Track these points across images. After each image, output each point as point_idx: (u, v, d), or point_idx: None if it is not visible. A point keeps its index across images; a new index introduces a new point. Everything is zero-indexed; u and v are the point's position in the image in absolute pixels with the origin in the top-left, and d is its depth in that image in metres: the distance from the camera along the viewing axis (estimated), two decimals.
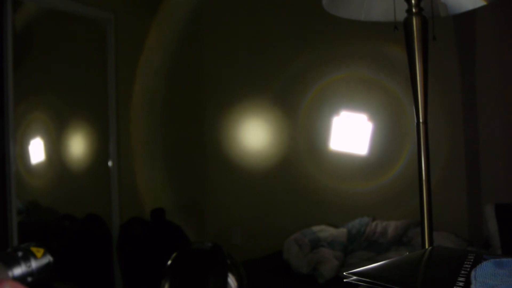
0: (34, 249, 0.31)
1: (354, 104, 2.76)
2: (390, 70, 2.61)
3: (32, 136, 2.90)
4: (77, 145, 3.21)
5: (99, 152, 3.28)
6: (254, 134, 3.21)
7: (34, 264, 0.30)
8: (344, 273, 0.58)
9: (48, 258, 0.31)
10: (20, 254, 0.30)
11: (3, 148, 2.53)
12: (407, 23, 0.92)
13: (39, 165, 2.95)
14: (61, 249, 2.73)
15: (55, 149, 3.05)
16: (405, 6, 0.93)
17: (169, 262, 0.38)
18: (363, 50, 2.72)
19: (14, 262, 0.29)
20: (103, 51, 3.27)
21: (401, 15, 0.94)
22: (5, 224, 2.52)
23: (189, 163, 3.47)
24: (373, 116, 2.68)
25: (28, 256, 0.30)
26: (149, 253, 3.02)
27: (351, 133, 2.76)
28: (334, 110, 2.78)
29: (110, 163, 3.27)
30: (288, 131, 3.06)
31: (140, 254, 3.04)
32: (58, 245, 2.75)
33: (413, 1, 0.91)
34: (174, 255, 0.38)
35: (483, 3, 0.98)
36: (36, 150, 2.94)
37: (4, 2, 2.52)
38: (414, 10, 0.91)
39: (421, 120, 0.91)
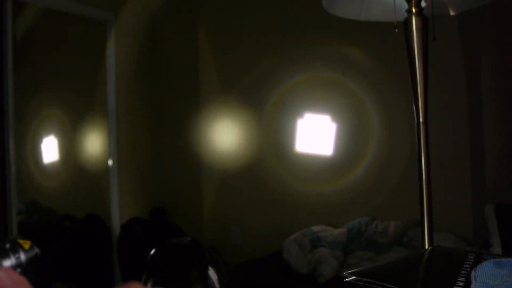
0: (21, 241, 0.31)
1: (318, 106, 2.80)
2: (351, 72, 2.67)
3: (40, 137, 2.90)
4: (77, 145, 3.21)
5: (99, 152, 3.28)
6: (238, 136, 3.24)
7: (22, 255, 0.30)
8: (344, 273, 0.58)
9: (35, 250, 0.31)
10: (8, 246, 0.30)
11: (3, 148, 2.53)
12: (407, 23, 0.92)
13: (45, 166, 2.95)
14: (61, 249, 2.73)
15: (57, 149, 3.05)
16: (405, 6, 0.93)
17: (149, 257, 0.38)
18: (325, 52, 2.77)
19: (3, 254, 0.29)
20: (103, 51, 3.27)
21: (401, 15, 0.94)
22: (5, 224, 2.52)
23: (189, 163, 3.47)
24: (336, 117, 2.73)
25: (16, 248, 0.30)
26: (149, 253, 3.02)
27: (315, 134, 2.80)
28: (299, 112, 2.82)
29: (110, 163, 3.27)
30: (256, 134, 3.11)
31: (140, 254, 3.04)
32: (58, 245, 2.75)
33: (413, 1, 0.91)
34: (153, 250, 0.38)
35: (484, 2, 0.98)
36: (43, 151, 2.94)
37: (4, 2, 2.52)
38: (414, 10, 0.91)
39: (421, 120, 0.91)
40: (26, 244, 0.31)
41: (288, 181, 2.89)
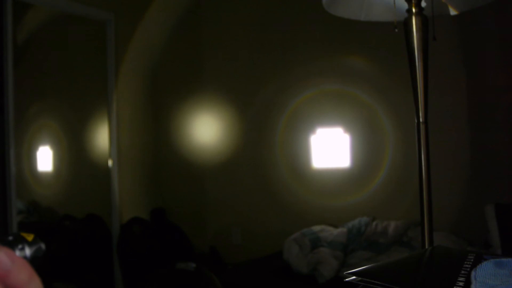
0: (24, 234, 0.31)
1: (329, 119, 2.79)
2: (358, 82, 2.66)
3: (39, 141, 2.90)
4: (77, 145, 3.21)
5: (99, 152, 3.28)
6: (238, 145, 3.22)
7: (26, 247, 0.30)
8: (344, 273, 0.58)
9: (39, 243, 0.31)
10: (11, 238, 0.30)
11: (3, 149, 2.53)
12: (407, 23, 0.92)
13: (45, 168, 2.95)
14: (61, 249, 2.72)
15: (57, 149, 3.05)
16: (405, 6, 0.93)
17: (151, 277, 0.38)
18: (329, 66, 2.77)
19: (7, 245, 0.29)
20: (103, 51, 3.27)
21: (401, 15, 0.94)
22: (5, 224, 2.52)
23: (189, 162, 3.47)
24: (349, 128, 2.72)
25: (19, 240, 0.30)
26: (149, 253, 3.02)
27: (330, 148, 2.78)
28: (310, 128, 2.81)
29: (110, 163, 3.27)
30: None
31: (140, 254, 3.04)
32: (58, 245, 2.75)
33: (413, 1, 0.91)
34: (157, 272, 0.38)
35: (484, 2, 0.98)
36: (43, 154, 2.94)
37: (4, 2, 2.52)
38: (414, 10, 0.91)
39: (421, 120, 0.91)
40: (30, 237, 0.31)
41: (307, 197, 2.85)
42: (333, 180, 2.79)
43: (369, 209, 2.66)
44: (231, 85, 3.27)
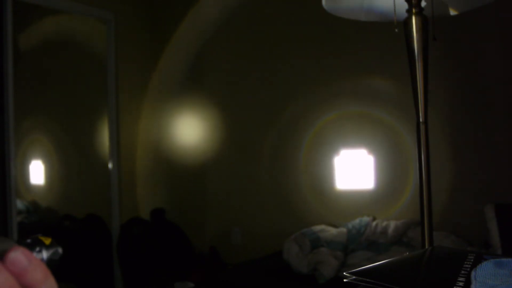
0: (42, 238, 0.31)
1: (352, 140, 2.77)
2: (379, 102, 2.64)
3: (38, 141, 2.90)
4: (78, 145, 3.21)
5: (100, 152, 3.28)
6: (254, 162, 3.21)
7: (44, 251, 0.31)
8: (344, 273, 0.58)
9: (56, 247, 0.32)
10: (29, 241, 0.30)
11: (3, 149, 2.53)
12: (407, 23, 0.92)
13: (42, 165, 2.95)
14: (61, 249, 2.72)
15: (55, 147, 3.05)
16: (405, 6, 0.93)
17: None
18: (351, 87, 2.74)
19: (25, 247, 0.30)
20: (103, 51, 3.27)
21: (401, 15, 0.94)
22: (5, 224, 2.52)
23: (189, 163, 3.47)
24: (372, 149, 2.68)
25: (37, 243, 0.31)
26: (149, 253, 3.02)
27: (354, 169, 2.76)
28: (334, 150, 2.79)
29: (110, 164, 3.27)
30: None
31: (140, 254, 3.04)
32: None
33: (413, 1, 0.91)
34: None
35: (484, 2, 0.98)
36: (43, 155, 2.94)
37: (4, 2, 2.52)
38: (414, 10, 0.91)
39: (421, 120, 0.91)
40: (47, 240, 0.31)
41: (329, 218, 2.80)
42: (357, 202, 2.75)
43: (369, 209, 2.66)
44: (246, 105, 3.24)
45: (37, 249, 0.31)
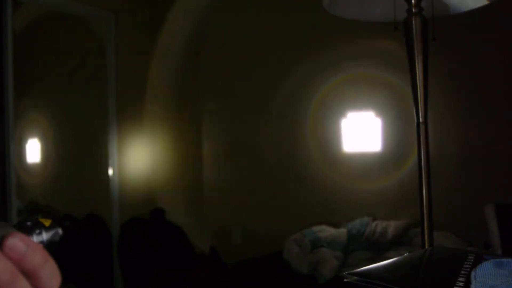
0: (42, 220, 0.31)
1: (360, 103, 2.75)
2: (388, 65, 2.61)
3: (31, 136, 2.90)
4: (78, 145, 3.21)
5: (99, 152, 3.28)
6: (260, 136, 3.21)
7: (44, 233, 0.31)
8: (344, 273, 0.58)
9: (56, 228, 0.32)
10: (29, 223, 0.31)
11: (3, 148, 2.53)
12: (407, 23, 0.92)
13: (36, 165, 2.95)
14: (61, 249, 2.72)
15: (54, 149, 3.05)
16: (405, 6, 0.93)
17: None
18: (362, 50, 2.72)
19: (25, 230, 0.30)
20: (103, 51, 3.27)
21: (401, 15, 0.94)
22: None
23: (189, 163, 3.47)
24: (380, 112, 2.66)
25: (37, 225, 0.31)
26: (149, 253, 3.02)
27: (361, 131, 2.75)
28: (341, 112, 2.77)
29: (110, 163, 3.27)
30: (299, 135, 3.04)
31: (140, 254, 3.04)
32: (58, 245, 2.74)
33: (413, 1, 0.91)
34: None
35: (484, 2, 0.98)
36: (34, 151, 2.94)
37: (4, 2, 2.52)
38: (414, 10, 0.91)
39: (421, 120, 0.91)
40: (47, 222, 0.32)
41: (337, 181, 2.81)
42: (364, 164, 2.74)
43: (370, 209, 2.66)
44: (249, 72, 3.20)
45: (37, 231, 0.31)
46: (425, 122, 0.91)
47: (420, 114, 0.91)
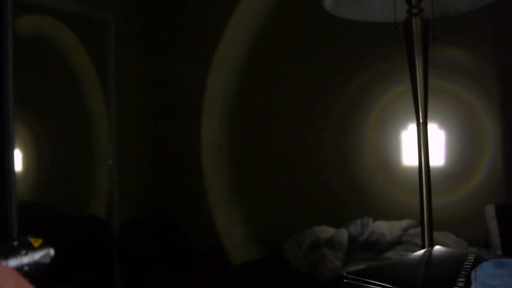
0: (32, 239, 0.30)
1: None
2: (452, 74, 2.44)
3: (37, 141, 2.90)
4: (77, 145, 3.21)
5: (99, 151, 3.28)
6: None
7: (31, 253, 0.29)
8: (344, 273, 0.58)
9: (46, 249, 0.30)
10: (16, 243, 0.29)
11: (3, 148, 2.53)
12: (407, 24, 0.92)
13: (36, 165, 2.95)
14: (61, 250, 2.72)
15: (57, 149, 3.05)
16: (405, 6, 0.93)
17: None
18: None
19: (9, 250, 0.29)
20: (103, 51, 3.27)
21: (402, 16, 0.94)
22: (5, 224, 2.52)
23: (188, 163, 3.47)
24: (444, 124, 2.48)
25: (24, 245, 0.29)
26: (149, 253, 3.02)
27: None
28: (402, 123, 2.62)
29: (110, 163, 3.27)
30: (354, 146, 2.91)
31: (140, 254, 3.04)
32: (58, 246, 2.74)
33: (413, 2, 0.91)
34: None
35: (484, 2, 0.98)
36: (43, 154, 2.94)
37: (4, 2, 2.52)
38: (414, 10, 0.91)
39: (421, 121, 0.91)
40: (37, 242, 0.30)
41: (395, 195, 2.65)
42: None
43: (370, 209, 2.66)
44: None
45: (23, 252, 0.29)
46: (425, 122, 0.91)
47: (420, 115, 0.91)
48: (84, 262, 2.90)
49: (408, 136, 2.63)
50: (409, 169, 2.59)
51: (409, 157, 2.64)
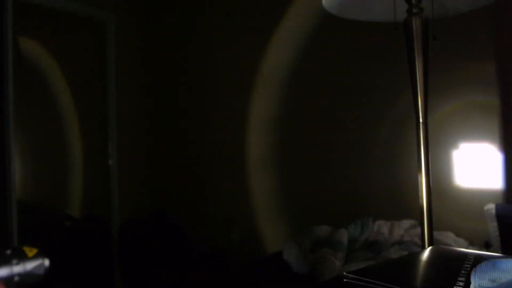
0: (26, 249, 0.29)
1: (473, 133, 2.43)
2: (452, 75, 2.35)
3: (37, 141, 2.90)
4: (77, 145, 3.21)
5: (99, 151, 3.28)
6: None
7: (23, 263, 0.29)
8: (344, 273, 0.58)
9: (41, 260, 0.29)
10: (8, 252, 0.29)
11: (3, 148, 2.53)
12: (407, 23, 0.92)
13: (36, 165, 2.95)
14: (61, 249, 2.73)
15: (56, 149, 3.05)
16: (405, 6, 0.93)
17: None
18: (479, 74, 2.39)
19: (1, 259, 0.28)
20: (103, 51, 3.27)
21: (402, 16, 0.94)
22: (5, 224, 2.52)
23: (189, 163, 3.47)
24: (499, 143, 2.33)
25: (17, 255, 0.29)
26: (149, 253, 3.02)
27: (477, 165, 2.41)
28: (452, 143, 2.47)
29: (110, 163, 3.27)
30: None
31: (140, 254, 3.04)
32: (58, 245, 2.75)
33: (413, 2, 0.91)
34: None
35: (484, 2, 0.98)
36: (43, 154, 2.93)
37: (4, 2, 2.52)
38: (414, 10, 0.91)
39: (421, 121, 0.91)
40: (31, 252, 0.29)
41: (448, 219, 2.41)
42: (481, 203, 2.32)
43: (370, 209, 2.66)
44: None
45: (15, 261, 0.29)
46: (425, 122, 0.91)
47: (420, 114, 0.91)
48: (84, 262, 2.90)
49: (460, 156, 2.47)
50: (462, 191, 2.44)
51: (461, 179, 2.47)
